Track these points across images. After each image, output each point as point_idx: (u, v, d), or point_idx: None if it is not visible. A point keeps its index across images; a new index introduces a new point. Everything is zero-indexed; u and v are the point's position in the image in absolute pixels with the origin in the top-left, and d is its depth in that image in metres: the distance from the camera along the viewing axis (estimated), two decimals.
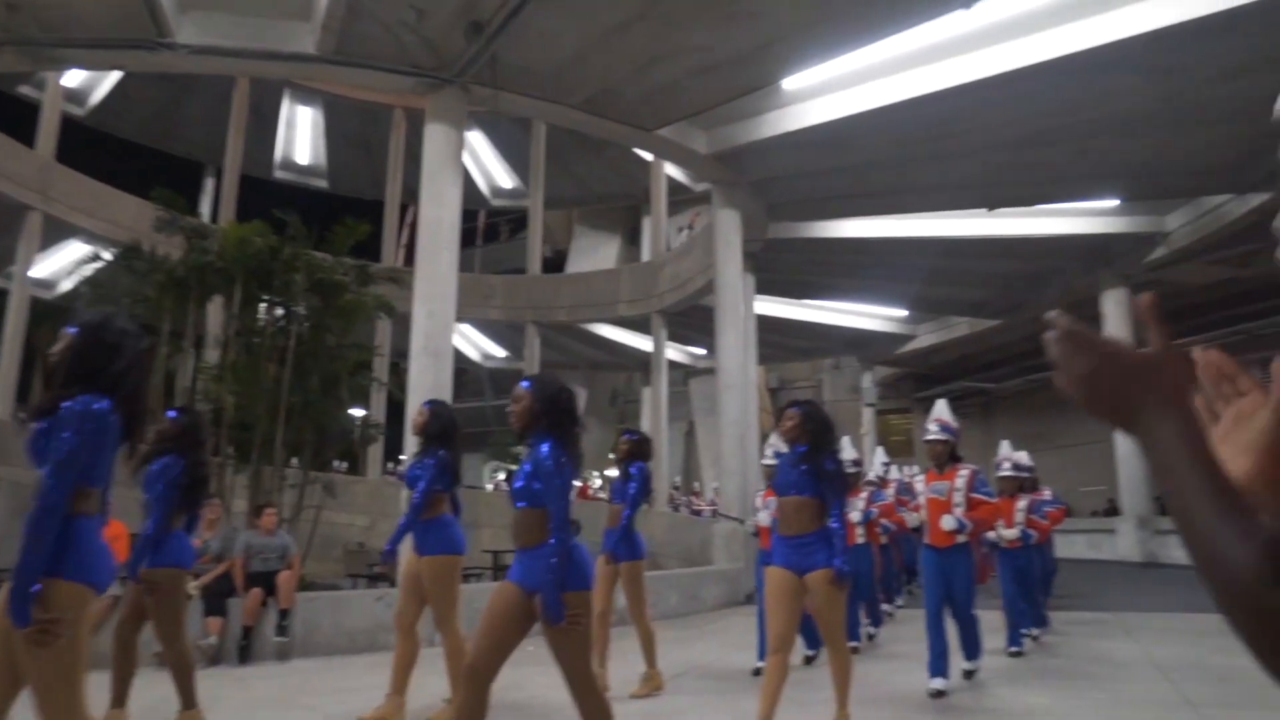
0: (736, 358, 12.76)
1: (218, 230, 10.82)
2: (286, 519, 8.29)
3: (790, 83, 10.47)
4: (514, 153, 21.29)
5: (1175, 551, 14.79)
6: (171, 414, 4.28)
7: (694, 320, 19.61)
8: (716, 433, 14.17)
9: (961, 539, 5.39)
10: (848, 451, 7.81)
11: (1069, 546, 14.79)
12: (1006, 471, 7.37)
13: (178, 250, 9.77)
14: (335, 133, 20.72)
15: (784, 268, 17.55)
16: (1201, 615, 8.06)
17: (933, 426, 5.69)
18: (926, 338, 23.45)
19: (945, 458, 5.56)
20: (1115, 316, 16.85)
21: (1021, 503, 7.20)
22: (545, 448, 3.03)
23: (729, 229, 12.87)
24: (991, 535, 6.79)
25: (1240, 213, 13.31)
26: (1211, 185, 13.30)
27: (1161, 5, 8.51)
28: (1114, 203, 14.86)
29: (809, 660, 6.27)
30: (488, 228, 32.38)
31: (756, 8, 8.62)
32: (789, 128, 11.10)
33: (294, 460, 9.85)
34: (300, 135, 20.90)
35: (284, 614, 6.48)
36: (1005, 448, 7.78)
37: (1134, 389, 0.68)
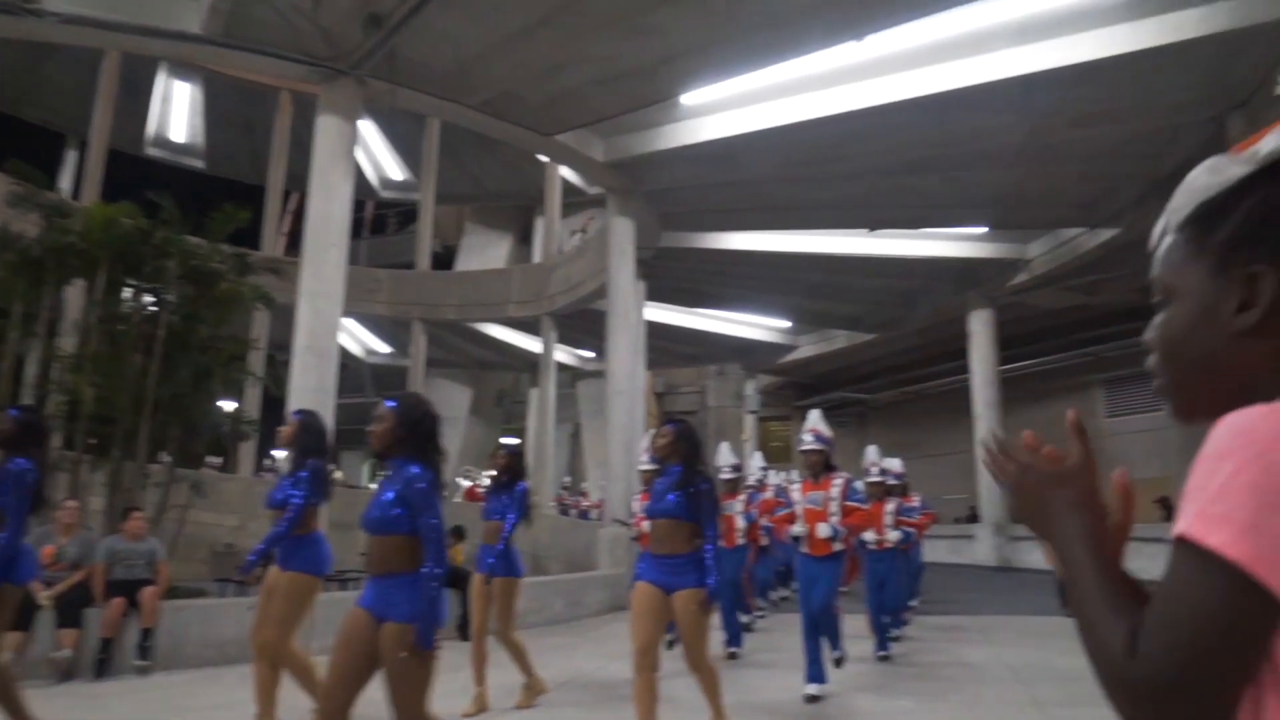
0: (626, 363, 12.91)
1: (81, 209, 10.12)
2: (149, 518, 7.85)
3: (688, 98, 10.69)
4: (406, 144, 20.81)
5: (1027, 556, 15.90)
6: (13, 412, 3.97)
7: (583, 323, 19.69)
8: (603, 435, 14.28)
9: (838, 546, 5.56)
10: (727, 457, 7.98)
11: (933, 551, 15.63)
12: (874, 477, 7.62)
13: (34, 228, 9.09)
14: (215, 111, 19.72)
15: (674, 276, 17.86)
16: (1048, 618, 8.71)
17: (807, 437, 5.75)
18: (807, 348, 24.32)
19: (820, 467, 5.66)
20: (980, 335, 17.95)
21: (890, 505, 7.48)
22: (416, 470, 2.92)
23: (623, 237, 13.00)
24: (869, 537, 7.04)
25: (1091, 245, 14.42)
26: (1068, 219, 14.39)
27: (1032, 53, 9.16)
28: (982, 230, 15.83)
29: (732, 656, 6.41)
30: (375, 219, 31.52)
31: (659, 24, 8.77)
32: (685, 141, 11.33)
33: (162, 456, 9.34)
34: (176, 111, 19.76)
35: (146, 633, 6.02)
36: (871, 453, 8.04)
37: (1049, 496, 0.82)
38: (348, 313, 16.96)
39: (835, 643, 5.70)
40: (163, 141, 20.20)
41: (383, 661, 2.81)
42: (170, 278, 9.24)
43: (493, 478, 5.54)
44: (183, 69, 18.32)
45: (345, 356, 21.38)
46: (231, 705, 4.88)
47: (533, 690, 5.21)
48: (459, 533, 9.05)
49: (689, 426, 4.27)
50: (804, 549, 5.65)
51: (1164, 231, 0.83)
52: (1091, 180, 12.67)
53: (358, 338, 23.49)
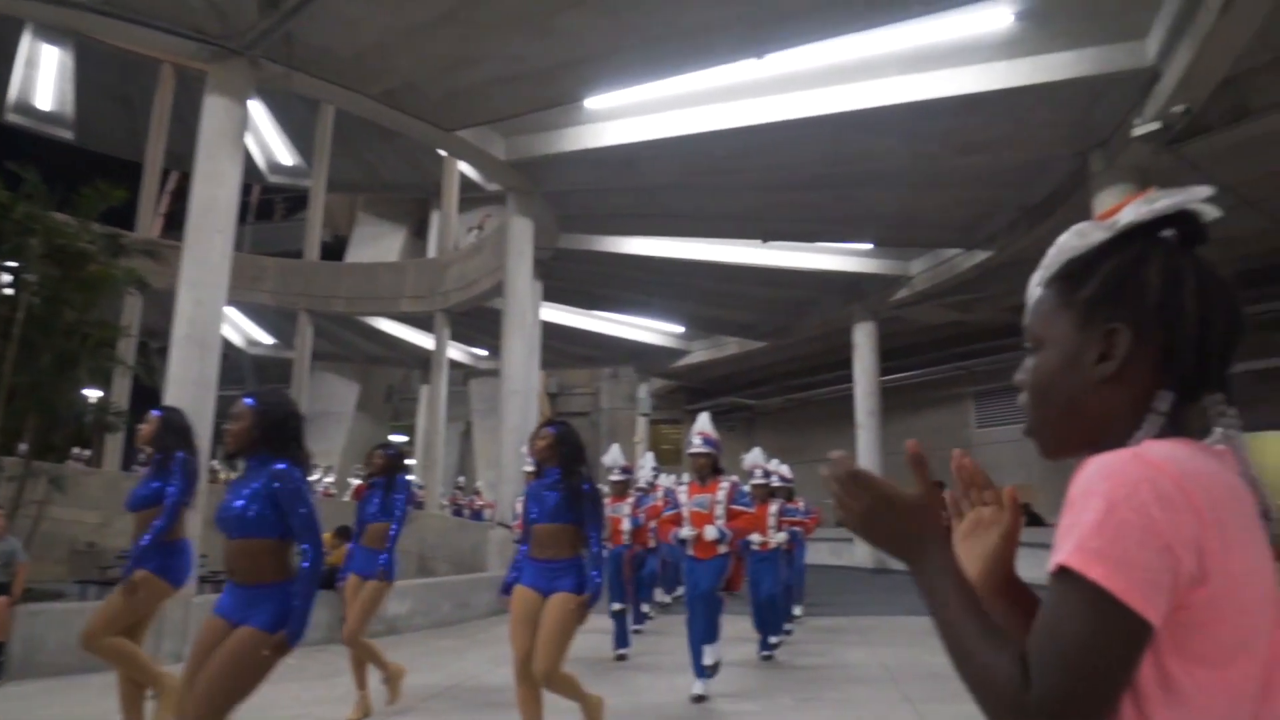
0: (521, 364, 12.85)
1: None
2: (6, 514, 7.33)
3: (592, 102, 10.75)
4: (297, 128, 20.06)
5: None
6: None
7: (478, 321, 19.47)
8: (495, 435, 14.16)
9: (723, 549, 5.57)
10: (616, 458, 7.95)
11: (815, 554, 16.15)
12: (758, 479, 7.56)
13: None
14: (88, 80, 18.48)
15: (571, 277, 17.88)
16: (920, 618, 9.20)
17: (696, 440, 5.77)
18: (699, 354, 24.74)
19: (708, 470, 5.70)
20: (864, 346, 18.71)
21: (773, 507, 7.45)
22: (283, 466, 2.76)
23: (521, 237, 12.93)
24: (755, 538, 7.06)
25: (967, 266, 15.26)
26: (947, 239, 15.18)
27: (920, 82, 9.63)
28: (868, 246, 16.52)
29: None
30: (261, 204, 30.19)
31: (565, 27, 8.79)
32: (587, 145, 11.37)
33: (19, 447, 8.75)
34: (43, 77, 18.40)
35: None
36: (756, 454, 7.98)
37: (907, 527, 0.85)
38: (230, 301, 16.19)
39: (712, 636, 5.61)
40: (26, 108, 18.78)
41: (218, 652, 2.60)
42: (33, 256, 8.69)
43: (369, 478, 5.36)
44: (51, 31, 17.09)
45: (225, 347, 20.41)
46: (93, 717, 4.63)
47: (395, 680, 5.00)
48: (346, 533, 8.83)
49: (569, 429, 4.18)
50: (690, 551, 5.67)
51: (1036, 285, 0.92)
52: (969, 205, 13.41)
53: (239, 327, 22.48)
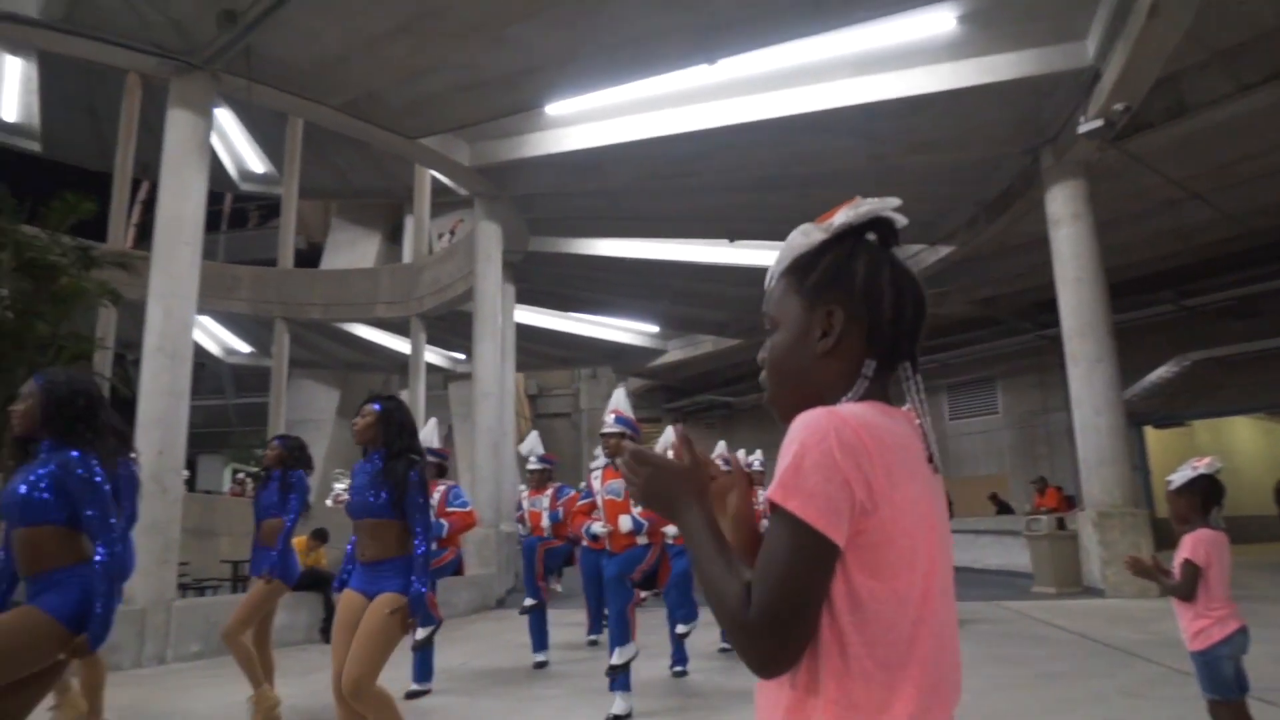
0: (493, 367, 13.05)
1: None
2: None
3: (553, 109, 10.95)
4: (267, 136, 20.08)
5: None
6: None
7: (454, 325, 19.62)
8: (472, 438, 14.33)
9: (642, 540, 4.93)
10: (533, 446, 7.39)
11: None
12: None
13: None
14: (53, 90, 18.45)
15: (544, 279, 18.07)
16: None
17: (609, 418, 5.06)
18: (676, 353, 24.94)
19: None
20: None
21: None
22: (75, 455, 2.61)
23: (489, 241, 13.13)
24: (671, 531, 5.71)
25: (931, 260, 15.55)
26: (909, 236, 15.46)
27: (870, 83, 9.90)
28: None
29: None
30: (234, 213, 30.16)
31: (519, 36, 9.00)
32: (550, 150, 11.57)
33: None
34: (7, 87, 18.36)
35: None
36: (668, 434, 6.97)
37: (675, 490, 1.00)
38: (205, 311, 16.34)
39: (620, 638, 4.80)
40: None
41: None
42: (3, 270, 8.80)
43: (264, 471, 4.88)
44: (12, 41, 17.07)
45: (203, 356, 20.45)
46: None
47: (263, 704, 4.57)
48: (322, 535, 9.09)
49: (397, 404, 3.62)
50: (607, 546, 5.03)
51: (772, 278, 1.08)
52: (927, 201, 13.71)
53: (216, 337, 22.52)
